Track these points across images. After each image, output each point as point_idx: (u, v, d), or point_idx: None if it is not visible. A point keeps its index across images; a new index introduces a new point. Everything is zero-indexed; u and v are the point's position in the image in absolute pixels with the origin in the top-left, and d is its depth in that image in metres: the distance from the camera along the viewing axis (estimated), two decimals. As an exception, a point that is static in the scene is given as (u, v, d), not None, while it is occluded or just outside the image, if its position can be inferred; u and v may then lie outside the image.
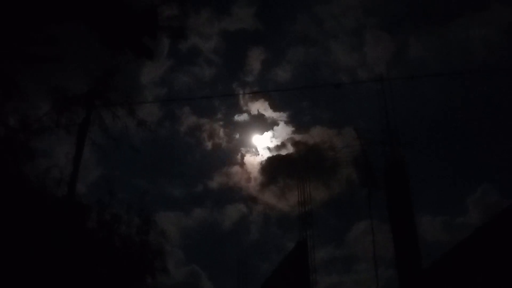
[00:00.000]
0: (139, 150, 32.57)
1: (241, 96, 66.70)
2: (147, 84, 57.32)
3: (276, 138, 67.07)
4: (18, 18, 15.56)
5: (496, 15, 64.09)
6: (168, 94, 58.14)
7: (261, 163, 65.75)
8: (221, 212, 60.16)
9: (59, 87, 29.89)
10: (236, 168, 60.71)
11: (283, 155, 59.55)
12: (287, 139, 66.02)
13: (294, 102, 67.13)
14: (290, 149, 62.67)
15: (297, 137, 66.06)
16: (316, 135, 63.81)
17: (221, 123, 61.76)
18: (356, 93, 55.62)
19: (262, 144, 67.15)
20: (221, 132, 60.99)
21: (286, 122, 71.74)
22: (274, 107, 68.22)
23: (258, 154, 66.81)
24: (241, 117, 62.36)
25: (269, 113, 68.33)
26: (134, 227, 32.72)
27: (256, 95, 67.36)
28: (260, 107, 69.11)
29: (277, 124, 68.57)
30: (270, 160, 62.50)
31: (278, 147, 64.37)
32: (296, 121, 59.41)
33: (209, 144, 61.68)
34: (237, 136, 67.43)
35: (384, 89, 38.17)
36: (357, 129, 39.53)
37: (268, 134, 67.56)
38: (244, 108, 69.49)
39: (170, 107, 62.80)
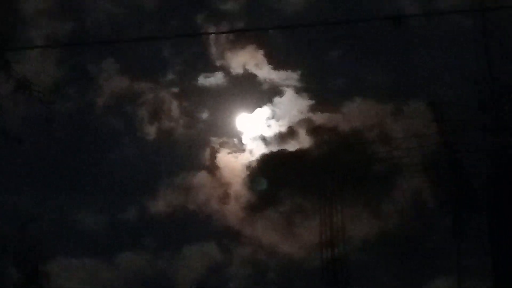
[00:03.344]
0: (22, 140, 26.55)
1: (212, 39, 42.82)
2: (35, 15, 39.08)
3: (278, 120, 44.35)
4: None
5: None
6: (75, 34, 43.20)
7: (249, 166, 42.90)
8: (173, 259, 44.84)
9: None
10: (201, 176, 45.61)
11: (290, 152, 41.05)
12: (300, 121, 43.38)
13: (313, 53, 52.40)
14: (305, 141, 41.87)
15: (319, 117, 42.99)
16: (355, 114, 42.31)
17: (174, 90, 47.59)
18: (430, 34, 43.86)
19: (252, 131, 43.92)
20: (174, 107, 46.70)
21: (298, 90, 43.91)
22: (275, 62, 44.04)
23: (244, 150, 43.54)
24: (211, 80, 48.78)
25: (265, 72, 44.16)
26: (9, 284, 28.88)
27: (241, 39, 43.75)
28: (248, 60, 44.45)
29: (281, 94, 43.91)
30: (266, 160, 42.10)
31: (282, 137, 42.77)
32: (317, 88, 43.44)
33: (150, 131, 47.35)
34: (204, 115, 47.72)
35: (485, 26, 30.10)
36: (434, 103, 30.96)
37: (263, 112, 43.11)
38: (218, 63, 43.98)
39: (78, 59, 48.60)
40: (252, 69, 45.54)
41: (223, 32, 54.71)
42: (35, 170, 38.90)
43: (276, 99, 45.78)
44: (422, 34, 36.28)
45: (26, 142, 29.79)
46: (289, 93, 45.59)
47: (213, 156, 45.85)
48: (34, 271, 28.91)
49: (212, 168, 45.60)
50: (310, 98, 45.93)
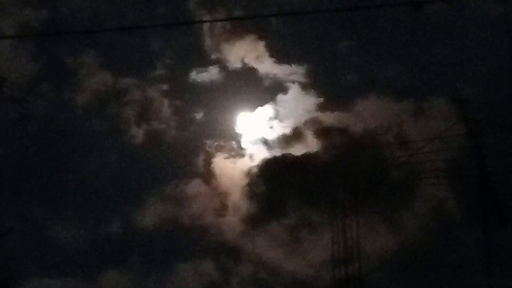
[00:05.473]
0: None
1: (206, 28, 40.50)
2: (4, 1, 36.30)
3: (282, 121, 42.73)
4: None
5: None
6: (50, 23, 42.67)
7: (249, 173, 41.03)
8: (163, 279, 43.86)
9: None
10: (194, 185, 41.64)
11: (296, 157, 39.63)
12: (307, 121, 41.90)
13: (321, 44, 52.27)
14: (312, 144, 40.33)
15: (329, 117, 41.63)
16: (369, 113, 40.62)
17: (163, 87, 47.69)
18: (454, 22, 38.78)
19: (252, 133, 42.42)
20: (163, 106, 47.86)
21: (305, 86, 42.31)
22: (279, 55, 42.25)
23: (243, 155, 41.77)
24: (206, 75, 43.19)
25: (266, 66, 42.45)
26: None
27: (239, 28, 41.57)
28: (247, 53, 42.75)
29: (285, 90, 42.48)
30: (268, 166, 40.48)
31: (286, 140, 41.33)
32: (326, 84, 41.43)
33: (137, 133, 47.32)
34: (198, 115, 43.53)
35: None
36: (460, 101, 27.80)
37: (264, 112, 41.76)
38: (214, 57, 42.80)
39: (54, 51, 46.63)
40: (252, 62, 42.86)
41: (219, 20, 53.01)
42: (4, 177, 36.70)
43: (280, 97, 43.03)
44: (445, 21, 34.71)
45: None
46: (294, 90, 42.90)
47: (208, 161, 43.17)
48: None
49: (207, 176, 42.91)
50: (318, 96, 43.12)
